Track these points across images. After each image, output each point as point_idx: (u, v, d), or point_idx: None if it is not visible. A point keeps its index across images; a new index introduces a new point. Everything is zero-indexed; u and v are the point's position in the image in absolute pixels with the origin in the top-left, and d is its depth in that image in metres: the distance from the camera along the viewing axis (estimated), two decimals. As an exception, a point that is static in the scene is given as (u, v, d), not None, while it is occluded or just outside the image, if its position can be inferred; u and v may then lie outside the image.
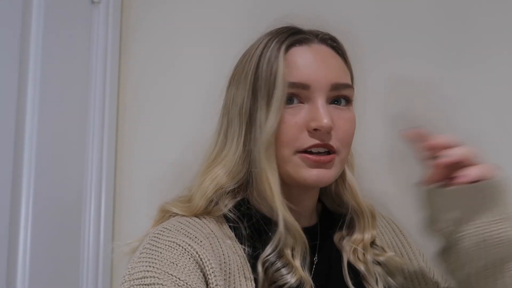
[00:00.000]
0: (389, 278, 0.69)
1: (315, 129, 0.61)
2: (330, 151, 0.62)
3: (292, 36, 0.65)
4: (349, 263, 0.68)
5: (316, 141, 0.62)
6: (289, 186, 0.64)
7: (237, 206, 0.66)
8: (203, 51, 0.91)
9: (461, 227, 0.58)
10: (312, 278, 0.63)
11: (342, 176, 0.71)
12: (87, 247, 0.85)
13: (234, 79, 0.68)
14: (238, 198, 0.66)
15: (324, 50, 0.66)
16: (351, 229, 0.71)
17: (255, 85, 0.64)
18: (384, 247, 0.73)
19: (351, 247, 0.69)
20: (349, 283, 0.66)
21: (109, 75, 0.90)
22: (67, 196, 0.81)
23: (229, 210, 0.65)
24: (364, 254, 0.69)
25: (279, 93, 0.62)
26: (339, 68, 0.66)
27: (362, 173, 0.78)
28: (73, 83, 0.83)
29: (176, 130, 0.91)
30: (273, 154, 0.62)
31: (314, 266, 0.66)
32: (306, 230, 0.65)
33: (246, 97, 0.65)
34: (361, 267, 0.68)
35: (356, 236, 0.70)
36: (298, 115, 0.62)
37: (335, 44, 0.68)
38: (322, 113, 0.61)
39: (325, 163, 0.62)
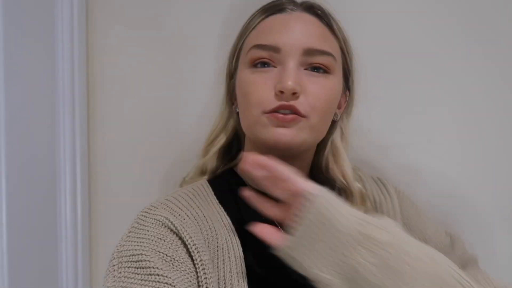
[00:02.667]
0: None
1: (281, 91, 0.61)
2: (296, 114, 0.62)
3: (276, 6, 0.67)
4: None
5: (280, 102, 0.62)
6: (268, 152, 0.63)
7: (228, 171, 0.71)
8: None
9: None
10: None
11: (333, 150, 0.72)
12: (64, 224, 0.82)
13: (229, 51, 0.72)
14: (231, 165, 0.72)
15: (305, 17, 0.66)
16: None
17: (233, 52, 0.70)
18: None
19: None
20: None
21: (76, 45, 0.82)
22: (40, 172, 0.77)
23: (219, 175, 0.71)
24: None
25: (245, 56, 0.66)
26: (318, 35, 0.65)
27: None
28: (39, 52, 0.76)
29: (148, 107, 0.86)
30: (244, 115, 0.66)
31: None
32: None
33: (228, 64, 0.72)
34: None
35: None
36: (268, 78, 0.63)
37: (320, 12, 0.67)
38: (288, 75, 0.61)
39: (286, 121, 0.62)
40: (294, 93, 0.61)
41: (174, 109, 0.85)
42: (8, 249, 0.69)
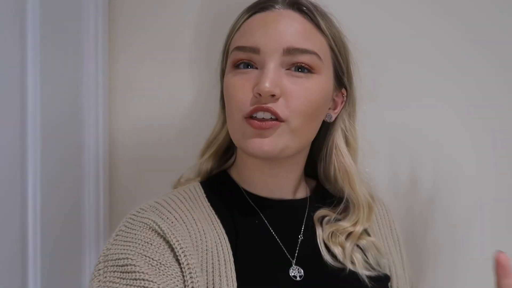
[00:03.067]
0: (367, 265, 0.66)
1: (259, 94, 0.58)
2: (276, 118, 0.59)
3: (260, 4, 0.64)
4: (324, 243, 0.66)
5: (258, 105, 0.59)
6: (252, 158, 0.63)
7: (221, 173, 0.70)
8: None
9: None
10: (296, 253, 0.63)
11: (338, 160, 0.68)
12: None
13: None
14: (223, 167, 0.72)
15: (287, 14, 0.62)
16: (343, 214, 0.68)
17: (223, 53, 0.69)
18: (370, 232, 0.70)
19: (331, 230, 0.66)
20: (326, 257, 0.64)
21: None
22: (68, 150, 0.81)
23: (212, 178, 0.70)
24: (343, 240, 0.66)
25: (229, 59, 0.64)
26: (300, 32, 0.61)
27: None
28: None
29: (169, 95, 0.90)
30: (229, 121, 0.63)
31: (299, 240, 0.66)
32: (287, 202, 0.67)
33: (221, 66, 0.70)
34: (335, 250, 0.65)
35: (345, 223, 0.67)
36: (247, 80, 0.61)
37: (304, 8, 0.63)
38: (265, 77, 0.58)
39: (264, 129, 0.59)
40: (272, 95, 0.58)
41: (192, 109, 0.88)
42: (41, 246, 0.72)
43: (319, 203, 0.69)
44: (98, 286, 0.53)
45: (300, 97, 0.60)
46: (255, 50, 0.60)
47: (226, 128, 0.68)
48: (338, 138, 0.68)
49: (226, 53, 0.67)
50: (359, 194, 0.67)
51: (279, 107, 0.59)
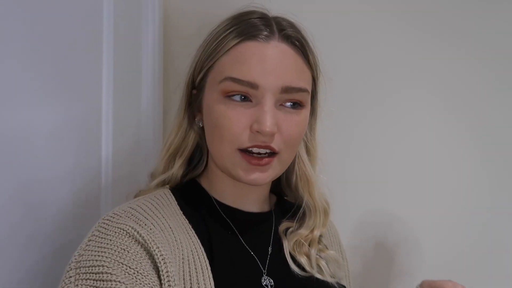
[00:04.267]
0: (331, 273, 0.69)
1: (258, 132, 0.59)
2: (271, 152, 0.61)
3: (252, 30, 0.62)
4: (291, 254, 0.68)
5: (257, 143, 0.60)
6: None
7: (191, 181, 0.70)
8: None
9: None
10: (267, 264, 0.65)
11: (300, 168, 0.71)
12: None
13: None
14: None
15: (282, 50, 0.62)
16: (302, 221, 0.71)
17: (201, 65, 0.65)
18: (327, 245, 0.74)
19: (293, 240, 0.68)
20: (293, 267, 0.66)
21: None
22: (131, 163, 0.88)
23: (182, 186, 0.69)
24: (308, 248, 0.69)
25: (216, 83, 0.62)
26: (296, 70, 0.62)
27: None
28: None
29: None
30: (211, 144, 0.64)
31: (269, 252, 0.67)
32: (256, 215, 0.69)
33: (192, 74, 0.68)
34: (301, 259, 0.67)
35: (303, 231, 0.69)
36: (244, 113, 0.60)
37: (297, 43, 0.63)
38: (267, 118, 0.59)
39: (262, 165, 0.61)
40: (272, 134, 0.60)
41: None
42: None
43: (282, 216, 0.72)
44: None
45: (294, 132, 0.62)
46: (253, 86, 0.60)
47: (192, 137, 0.69)
48: (300, 148, 0.70)
49: (206, 69, 0.65)
50: (316, 201, 0.70)
51: (275, 143, 0.61)
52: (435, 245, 0.97)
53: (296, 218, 0.71)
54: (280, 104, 0.62)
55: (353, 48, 0.98)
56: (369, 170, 0.98)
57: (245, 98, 0.61)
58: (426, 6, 0.98)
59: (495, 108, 0.97)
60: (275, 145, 0.61)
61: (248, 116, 0.60)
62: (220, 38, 0.63)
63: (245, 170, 0.61)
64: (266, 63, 0.60)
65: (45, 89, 0.64)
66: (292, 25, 0.65)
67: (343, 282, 0.72)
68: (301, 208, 0.71)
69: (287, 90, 0.61)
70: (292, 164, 0.71)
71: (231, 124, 0.60)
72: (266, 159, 0.61)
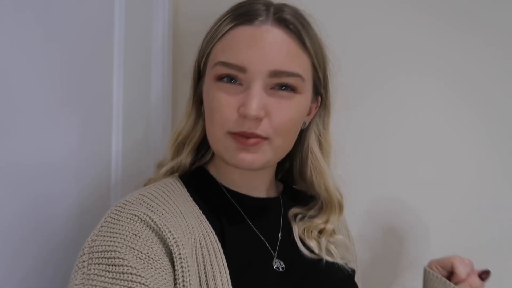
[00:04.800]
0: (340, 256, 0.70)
1: (243, 115, 0.59)
2: (258, 137, 0.61)
3: (246, 14, 0.62)
4: (300, 238, 0.69)
5: (243, 129, 0.60)
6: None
7: (199, 169, 0.71)
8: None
9: None
10: (277, 248, 0.66)
11: (313, 162, 0.71)
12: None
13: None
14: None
15: (275, 33, 0.61)
16: (316, 212, 0.72)
17: (202, 54, 0.67)
18: (335, 229, 0.74)
19: (304, 227, 0.69)
20: (303, 250, 0.67)
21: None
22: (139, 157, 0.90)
23: (191, 173, 0.70)
24: (317, 234, 0.70)
25: (211, 67, 0.63)
26: (287, 54, 0.61)
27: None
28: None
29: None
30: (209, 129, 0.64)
31: (279, 235, 0.68)
32: (264, 200, 0.70)
33: (197, 65, 0.69)
34: (311, 243, 0.68)
35: (317, 221, 0.70)
36: (232, 96, 0.61)
37: (292, 27, 0.62)
38: (253, 101, 0.58)
39: (249, 145, 0.60)
40: (257, 118, 0.59)
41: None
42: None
43: (290, 202, 0.73)
44: (82, 279, 0.50)
45: (284, 117, 0.61)
46: (241, 69, 0.60)
47: (200, 125, 0.69)
48: (312, 143, 0.71)
49: (205, 57, 0.66)
50: (331, 195, 0.71)
51: (262, 130, 0.60)
52: (445, 238, 0.96)
53: (311, 208, 0.72)
54: (271, 88, 0.61)
55: (364, 39, 0.98)
56: (380, 160, 0.98)
57: (234, 81, 0.61)
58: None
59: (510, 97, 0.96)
60: (262, 131, 0.60)
61: (236, 99, 0.60)
62: (217, 25, 0.64)
63: (234, 150, 0.61)
64: (255, 46, 0.60)
65: (56, 84, 0.65)
66: (293, 11, 0.64)
67: (351, 265, 0.73)
68: (317, 200, 0.72)
69: (276, 74, 0.60)
70: (305, 157, 0.71)
71: (221, 106, 0.61)
72: (253, 140, 0.60)
